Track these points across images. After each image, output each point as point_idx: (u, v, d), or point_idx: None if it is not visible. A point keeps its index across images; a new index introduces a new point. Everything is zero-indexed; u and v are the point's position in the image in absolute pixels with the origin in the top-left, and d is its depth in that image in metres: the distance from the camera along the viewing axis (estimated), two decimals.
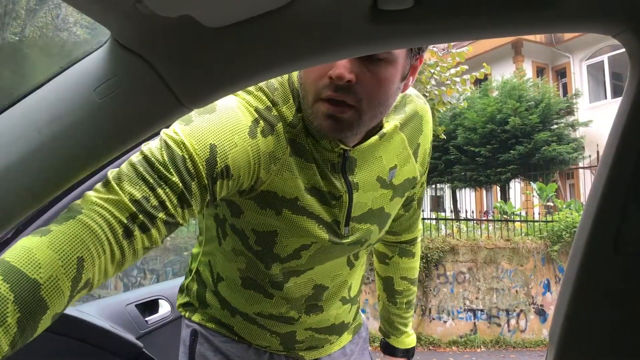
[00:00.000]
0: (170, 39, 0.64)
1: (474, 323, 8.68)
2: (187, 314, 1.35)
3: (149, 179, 0.85)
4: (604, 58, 16.59)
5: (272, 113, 1.03)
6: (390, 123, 1.15)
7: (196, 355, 1.31)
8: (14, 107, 0.71)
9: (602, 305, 0.66)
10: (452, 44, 8.54)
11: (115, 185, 0.82)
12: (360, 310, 1.50)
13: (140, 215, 0.82)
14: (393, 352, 1.58)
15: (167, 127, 0.90)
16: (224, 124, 0.96)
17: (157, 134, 0.89)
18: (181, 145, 0.89)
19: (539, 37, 17.15)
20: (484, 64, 8.75)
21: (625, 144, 0.61)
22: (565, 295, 0.67)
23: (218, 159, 0.93)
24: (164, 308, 2.12)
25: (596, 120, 14.79)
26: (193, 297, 1.34)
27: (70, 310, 1.37)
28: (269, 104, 1.04)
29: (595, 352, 0.68)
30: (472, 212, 10.71)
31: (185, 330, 1.35)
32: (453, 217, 10.96)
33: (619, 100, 0.63)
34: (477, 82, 11.61)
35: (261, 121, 1.02)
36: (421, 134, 1.22)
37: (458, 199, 15.83)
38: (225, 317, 1.29)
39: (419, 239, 1.53)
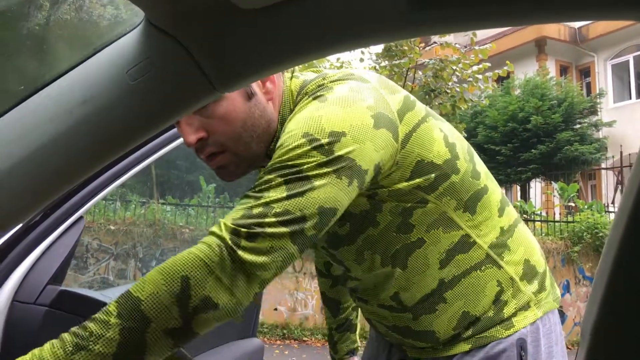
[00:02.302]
0: (204, 21, 0.64)
1: None
2: None
3: None
4: (629, 58, 16.31)
5: None
6: None
7: None
8: (47, 88, 0.72)
9: (635, 311, 0.65)
10: (475, 41, 8.46)
11: None
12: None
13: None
14: None
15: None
16: None
17: None
18: None
19: (562, 36, 16.90)
20: (507, 62, 8.65)
21: None
22: (595, 300, 0.65)
23: None
24: None
25: (620, 120, 14.58)
26: None
27: (94, 294, 1.38)
28: None
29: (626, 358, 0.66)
30: None
31: None
32: None
33: None
34: (500, 79, 11.48)
35: None
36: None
37: None
38: None
39: None
